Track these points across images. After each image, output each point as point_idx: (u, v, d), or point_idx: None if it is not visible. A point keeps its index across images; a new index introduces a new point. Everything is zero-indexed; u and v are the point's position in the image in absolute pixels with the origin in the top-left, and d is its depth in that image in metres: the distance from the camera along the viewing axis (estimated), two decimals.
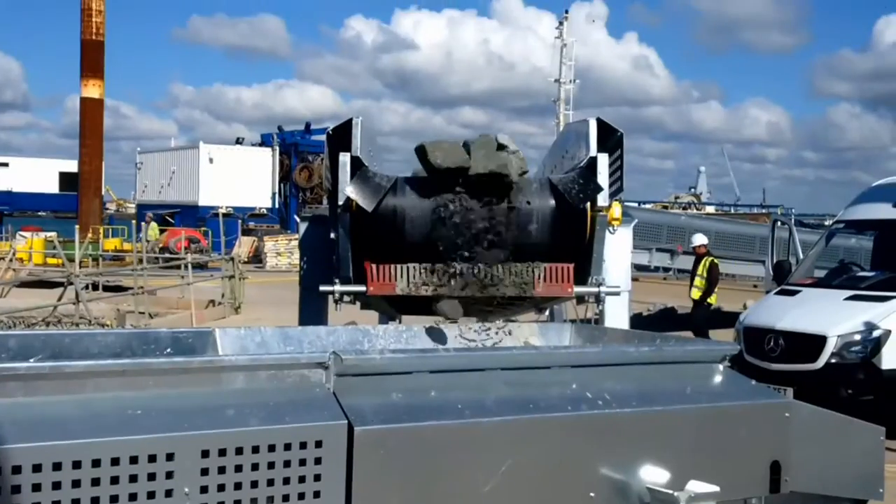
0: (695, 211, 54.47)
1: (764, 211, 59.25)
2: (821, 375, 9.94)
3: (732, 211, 67.65)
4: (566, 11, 57.05)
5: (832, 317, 10.29)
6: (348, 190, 4.51)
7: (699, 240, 16.30)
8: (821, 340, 10.04)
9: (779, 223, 14.68)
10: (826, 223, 26.66)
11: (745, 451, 3.40)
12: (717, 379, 3.57)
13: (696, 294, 15.78)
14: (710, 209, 65.24)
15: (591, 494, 3.04)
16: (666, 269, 28.07)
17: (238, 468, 2.50)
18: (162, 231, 45.13)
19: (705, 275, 15.60)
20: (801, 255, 12.97)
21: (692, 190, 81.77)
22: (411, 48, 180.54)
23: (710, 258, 15.93)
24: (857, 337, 10.01)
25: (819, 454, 3.58)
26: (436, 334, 4.30)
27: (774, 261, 12.90)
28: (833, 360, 9.97)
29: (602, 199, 4.70)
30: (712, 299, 15.84)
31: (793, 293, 11.32)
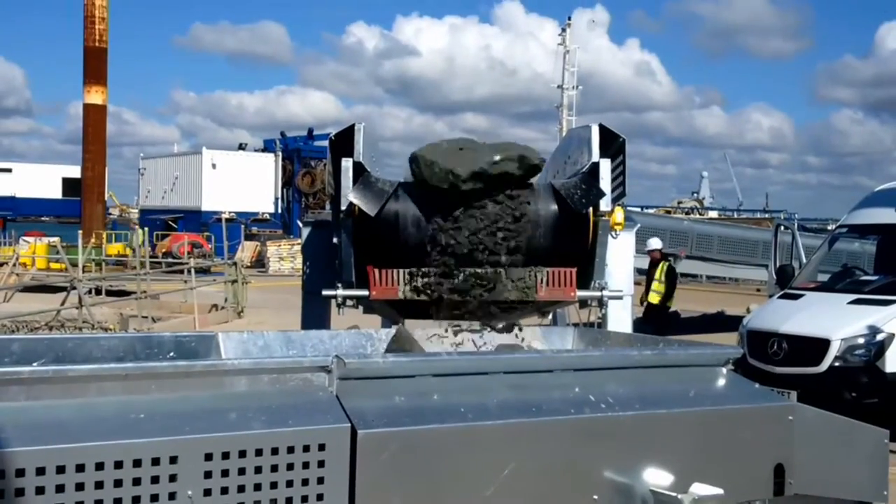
0: (698, 216, 54.45)
1: (767, 216, 59.24)
2: (824, 379, 9.93)
3: (735, 216, 67.65)
4: (569, 18, 57.17)
5: (836, 320, 10.28)
6: (351, 195, 4.52)
7: (655, 244, 16.23)
8: (824, 344, 10.03)
9: (782, 227, 14.68)
10: (829, 228, 26.65)
11: (748, 454, 3.39)
12: (721, 382, 3.57)
13: (655, 298, 15.72)
14: (714, 214, 65.21)
15: (595, 497, 3.04)
16: None
17: (241, 471, 2.50)
18: (165, 236, 45.21)
19: (663, 279, 15.63)
20: (804, 260, 12.98)
21: (695, 195, 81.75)
22: (413, 54, 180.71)
23: (667, 263, 15.98)
24: (861, 340, 10.00)
25: (823, 457, 3.58)
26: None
27: (778, 265, 12.90)
28: (837, 364, 9.96)
29: (604, 204, 4.70)
30: (671, 302, 15.92)
31: (796, 297, 11.31)
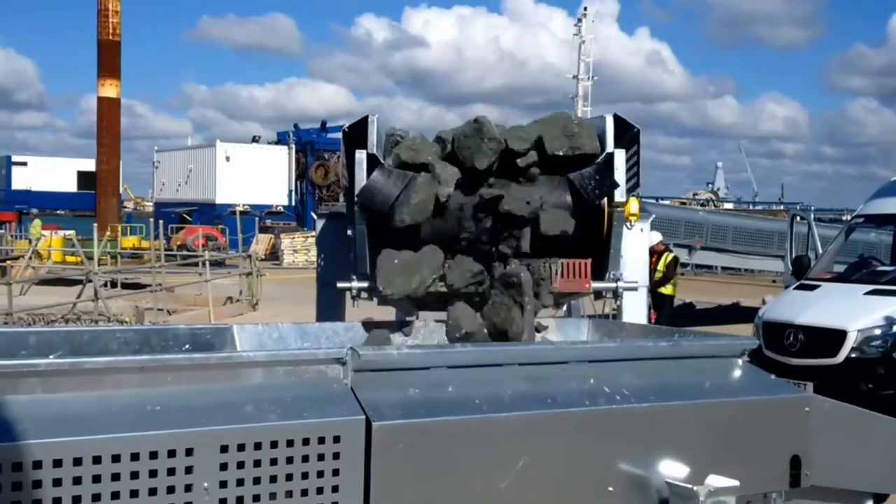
0: (713, 207, 54.22)
1: (783, 207, 58.92)
2: (841, 370, 9.88)
3: (751, 207, 67.34)
4: (585, 8, 56.80)
5: (852, 311, 10.22)
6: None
7: (656, 238, 16.18)
8: (841, 335, 9.98)
9: (797, 218, 14.60)
10: (845, 218, 26.49)
11: (765, 446, 3.38)
12: (737, 373, 3.55)
13: (671, 290, 15.77)
14: (729, 206, 64.91)
15: (610, 489, 3.03)
16: (684, 265, 27.97)
17: (257, 463, 2.51)
18: (179, 229, 45.40)
19: (663, 269, 15.70)
20: (820, 250, 12.90)
21: (710, 186, 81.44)
22: (422, 46, 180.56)
23: (673, 254, 16.06)
24: (878, 331, 9.94)
25: (839, 449, 3.56)
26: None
27: (793, 256, 12.84)
28: (853, 355, 9.91)
29: (619, 195, 4.69)
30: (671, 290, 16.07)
31: (812, 288, 11.25)
